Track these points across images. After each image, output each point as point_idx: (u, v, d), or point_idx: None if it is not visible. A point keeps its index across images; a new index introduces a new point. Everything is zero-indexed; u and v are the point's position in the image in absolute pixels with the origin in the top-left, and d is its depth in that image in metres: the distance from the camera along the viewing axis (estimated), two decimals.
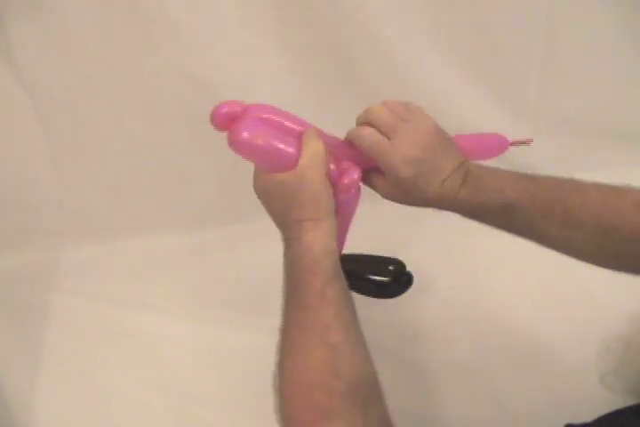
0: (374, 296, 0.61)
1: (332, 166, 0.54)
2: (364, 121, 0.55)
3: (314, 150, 0.53)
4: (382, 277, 0.60)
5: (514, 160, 0.95)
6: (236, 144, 0.52)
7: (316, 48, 0.82)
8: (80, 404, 0.72)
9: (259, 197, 0.55)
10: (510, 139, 0.64)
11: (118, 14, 0.75)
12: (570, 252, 0.54)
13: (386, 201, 0.57)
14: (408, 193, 0.54)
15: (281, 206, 0.53)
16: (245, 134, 0.52)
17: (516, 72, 0.89)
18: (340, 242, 0.58)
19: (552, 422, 0.62)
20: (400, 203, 0.56)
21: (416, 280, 0.61)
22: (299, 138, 0.54)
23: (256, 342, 0.76)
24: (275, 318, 0.75)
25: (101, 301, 0.84)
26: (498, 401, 0.69)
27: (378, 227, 0.86)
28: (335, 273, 0.51)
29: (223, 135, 0.89)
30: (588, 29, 0.86)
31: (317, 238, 0.51)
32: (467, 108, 0.91)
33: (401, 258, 0.62)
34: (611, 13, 0.84)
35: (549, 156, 0.96)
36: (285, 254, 0.53)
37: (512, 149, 0.95)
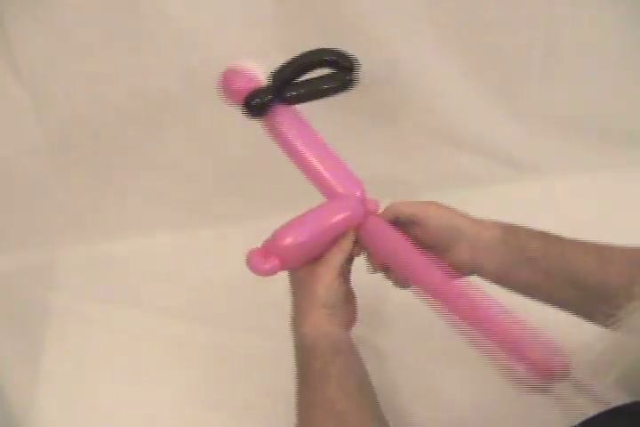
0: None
1: None
2: None
3: (335, 258, 0.58)
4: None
5: (514, 161, 0.96)
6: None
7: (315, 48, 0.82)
8: (80, 404, 0.72)
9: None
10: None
11: (118, 14, 0.75)
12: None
13: None
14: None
15: (294, 296, 0.61)
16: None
17: (516, 72, 0.88)
18: None
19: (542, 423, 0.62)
20: None
21: None
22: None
23: (257, 342, 0.76)
24: (274, 319, 0.76)
25: (101, 301, 0.84)
26: (482, 400, 0.68)
27: None
28: (333, 353, 0.56)
29: (222, 136, 0.90)
30: (588, 29, 0.86)
31: (313, 324, 0.57)
32: (466, 108, 0.91)
33: None
34: (611, 13, 0.84)
35: (549, 156, 0.96)
36: (293, 340, 0.59)
37: (512, 149, 0.96)
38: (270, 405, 0.68)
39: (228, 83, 0.63)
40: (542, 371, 0.50)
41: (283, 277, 0.82)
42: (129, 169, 0.89)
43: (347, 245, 0.59)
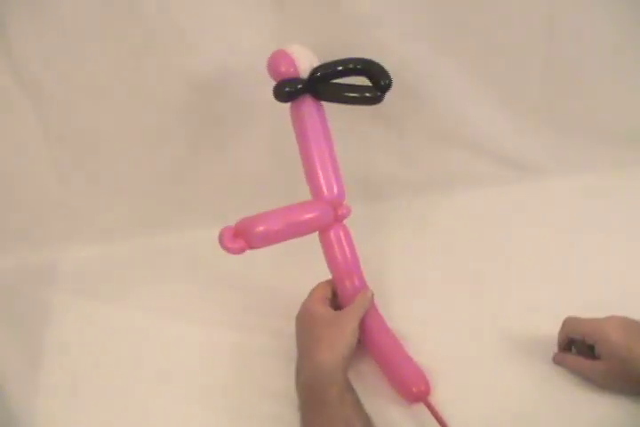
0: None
1: None
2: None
3: (361, 305, 0.68)
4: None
5: (515, 161, 0.96)
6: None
7: (315, 48, 0.82)
8: (80, 404, 0.72)
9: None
10: None
11: (118, 14, 0.75)
12: None
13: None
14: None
15: (318, 330, 0.66)
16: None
17: (516, 72, 0.88)
18: None
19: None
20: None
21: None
22: None
23: (258, 342, 0.76)
24: (276, 319, 0.76)
25: (101, 301, 0.84)
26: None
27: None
28: (347, 385, 0.62)
29: (222, 136, 0.90)
30: (588, 29, 0.85)
31: (334, 355, 0.63)
32: (467, 108, 0.91)
33: None
34: (611, 13, 0.84)
35: (549, 156, 0.96)
36: (302, 368, 0.65)
37: (512, 149, 0.96)
38: (272, 405, 0.68)
39: (273, 62, 0.69)
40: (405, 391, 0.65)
41: (285, 280, 0.83)
42: (129, 169, 0.89)
43: (370, 294, 0.69)
